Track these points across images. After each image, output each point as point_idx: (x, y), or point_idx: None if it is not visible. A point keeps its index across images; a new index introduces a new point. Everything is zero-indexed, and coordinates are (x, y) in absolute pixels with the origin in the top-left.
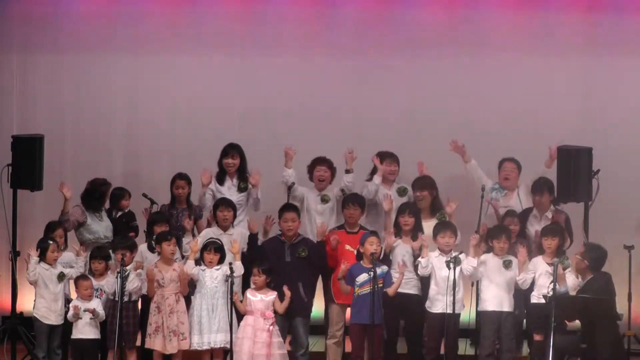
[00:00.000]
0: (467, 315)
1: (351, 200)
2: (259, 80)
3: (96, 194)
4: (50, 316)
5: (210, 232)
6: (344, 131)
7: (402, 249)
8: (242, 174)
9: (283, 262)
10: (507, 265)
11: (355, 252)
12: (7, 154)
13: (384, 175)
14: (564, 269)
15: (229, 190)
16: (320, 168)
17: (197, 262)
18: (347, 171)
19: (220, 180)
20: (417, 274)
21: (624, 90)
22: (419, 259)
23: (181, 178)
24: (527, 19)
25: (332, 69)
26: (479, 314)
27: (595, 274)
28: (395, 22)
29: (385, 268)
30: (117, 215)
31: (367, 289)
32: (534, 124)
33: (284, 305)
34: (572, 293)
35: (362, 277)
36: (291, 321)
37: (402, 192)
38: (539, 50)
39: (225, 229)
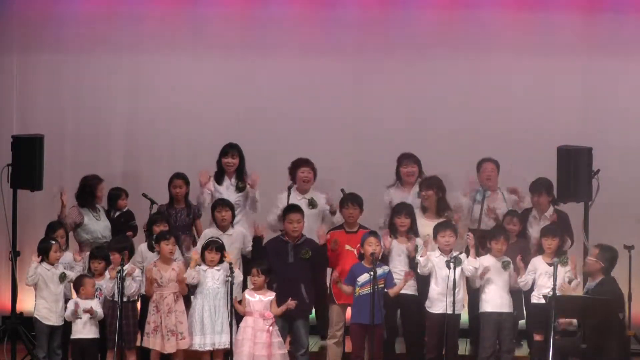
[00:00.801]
0: (465, 315)
1: (350, 200)
2: (258, 81)
3: (87, 189)
4: (51, 317)
5: (209, 233)
6: (343, 131)
7: (398, 249)
8: (240, 174)
9: (286, 263)
10: (505, 265)
11: (355, 252)
12: (7, 154)
13: (403, 177)
14: (570, 282)
15: (227, 190)
16: (304, 169)
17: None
18: (332, 212)
19: (219, 180)
20: (415, 274)
21: (624, 90)
22: (419, 257)
23: (179, 177)
24: (527, 19)
25: (332, 70)
26: (479, 315)
27: (605, 278)
28: (395, 22)
29: (386, 268)
30: (116, 215)
31: (367, 289)
32: (534, 124)
33: (280, 310)
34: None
35: (363, 277)
36: (292, 322)
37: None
38: (539, 50)
39: (224, 229)
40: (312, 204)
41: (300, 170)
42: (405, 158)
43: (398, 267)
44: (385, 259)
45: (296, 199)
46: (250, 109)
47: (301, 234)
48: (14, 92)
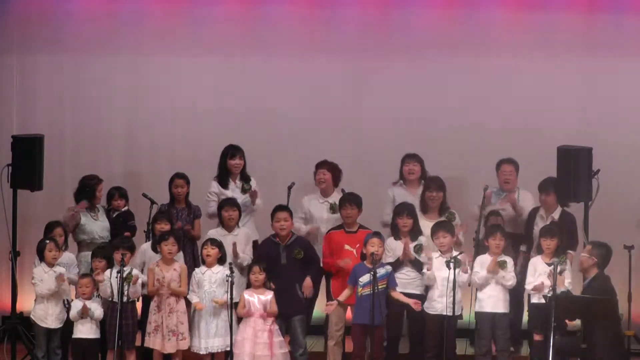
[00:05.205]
0: (467, 315)
1: (348, 200)
2: (259, 81)
3: (86, 188)
4: (47, 319)
5: (214, 233)
6: (344, 132)
7: (400, 250)
8: (244, 175)
9: (279, 265)
10: (502, 265)
11: (354, 252)
12: (7, 154)
13: (406, 177)
14: (560, 272)
15: (233, 192)
16: (320, 171)
17: (197, 263)
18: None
19: (224, 182)
20: (420, 274)
21: (624, 90)
22: (425, 271)
23: (180, 177)
24: (527, 19)
25: (332, 70)
26: (475, 314)
27: (598, 274)
28: (395, 22)
29: (389, 268)
30: (115, 215)
31: (369, 290)
32: (534, 124)
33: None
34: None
35: (365, 278)
36: (289, 322)
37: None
38: (539, 50)
39: (230, 229)
40: (332, 208)
41: (317, 172)
42: (408, 157)
43: (406, 267)
44: (395, 262)
45: (318, 202)
46: (251, 109)
47: (291, 232)
48: (14, 92)
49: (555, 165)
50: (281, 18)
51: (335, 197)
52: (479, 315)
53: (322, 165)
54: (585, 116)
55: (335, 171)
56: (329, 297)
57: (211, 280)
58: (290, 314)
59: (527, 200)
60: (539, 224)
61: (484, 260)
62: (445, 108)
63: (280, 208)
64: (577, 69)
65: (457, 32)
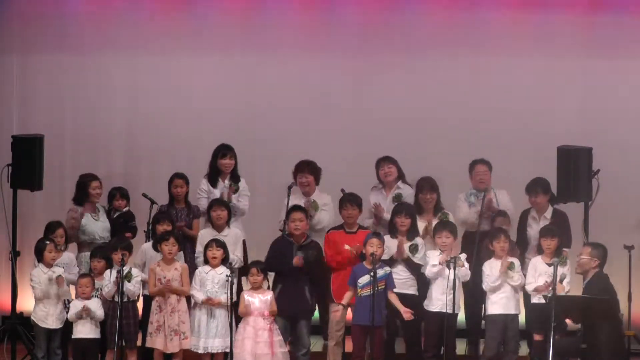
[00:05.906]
0: (462, 315)
1: (349, 201)
2: (258, 81)
3: (80, 186)
4: (48, 320)
5: (205, 234)
6: (343, 132)
7: (395, 248)
8: (234, 175)
9: (291, 264)
10: (510, 267)
11: (354, 252)
12: (7, 154)
13: (383, 180)
14: (561, 280)
15: (221, 191)
16: (302, 175)
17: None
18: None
19: (213, 181)
20: (413, 274)
21: (624, 90)
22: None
23: (179, 177)
24: (527, 19)
25: (332, 70)
26: (485, 317)
27: (598, 274)
28: (396, 22)
29: (388, 269)
30: (116, 215)
31: (368, 291)
32: (534, 124)
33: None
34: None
35: (365, 279)
36: (294, 322)
37: (397, 198)
38: (539, 50)
39: (219, 228)
40: (313, 206)
41: (299, 175)
42: (382, 160)
43: (399, 267)
44: (389, 261)
45: (302, 201)
46: (250, 109)
47: (305, 234)
48: (14, 92)
49: (555, 165)
50: (281, 18)
51: (315, 195)
52: (490, 317)
53: (304, 169)
54: (585, 116)
55: (316, 172)
56: (330, 297)
57: (214, 280)
58: (297, 315)
59: (505, 198)
60: (532, 225)
61: (493, 265)
62: (445, 108)
63: (296, 208)
64: (577, 69)
65: (457, 32)
